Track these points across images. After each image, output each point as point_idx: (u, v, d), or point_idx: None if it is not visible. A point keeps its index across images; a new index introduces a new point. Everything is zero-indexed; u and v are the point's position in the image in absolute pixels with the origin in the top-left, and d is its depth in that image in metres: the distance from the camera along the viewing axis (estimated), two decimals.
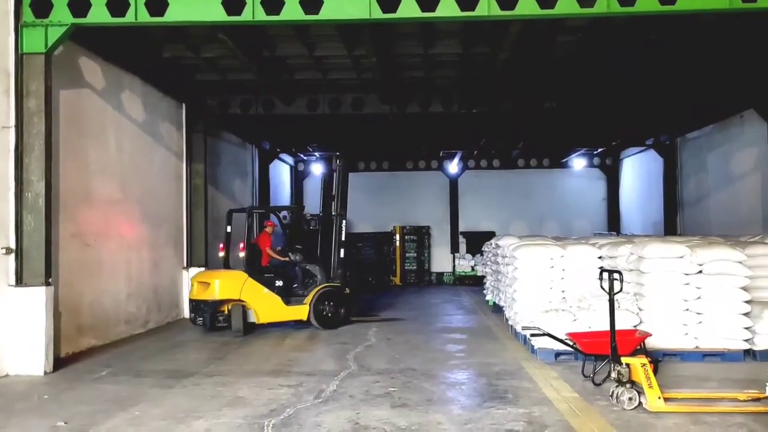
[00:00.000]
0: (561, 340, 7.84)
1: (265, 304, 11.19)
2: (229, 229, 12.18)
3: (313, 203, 19.51)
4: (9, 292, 8.04)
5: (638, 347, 7.31)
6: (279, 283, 11.58)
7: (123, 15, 8.18)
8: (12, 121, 8.15)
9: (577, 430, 5.57)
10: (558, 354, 8.36)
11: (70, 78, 9.46)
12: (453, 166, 23.53)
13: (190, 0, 8.22)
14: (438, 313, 14.36)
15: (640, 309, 8.61)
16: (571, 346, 7.64)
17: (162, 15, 8.18)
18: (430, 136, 19.18)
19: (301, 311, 11.50)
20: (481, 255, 17.61)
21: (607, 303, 6.82)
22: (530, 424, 5.71)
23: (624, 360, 6.29)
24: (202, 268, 13.49)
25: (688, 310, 8.44)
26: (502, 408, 6.26)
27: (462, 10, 8.07)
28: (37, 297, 8.05)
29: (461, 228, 23.89)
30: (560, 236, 14.43)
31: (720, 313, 8.35)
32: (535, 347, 8.64)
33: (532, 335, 8.27)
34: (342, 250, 12.21)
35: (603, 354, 6.91)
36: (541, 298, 9.45)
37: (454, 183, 24.05)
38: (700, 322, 8.42)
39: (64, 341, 8.97)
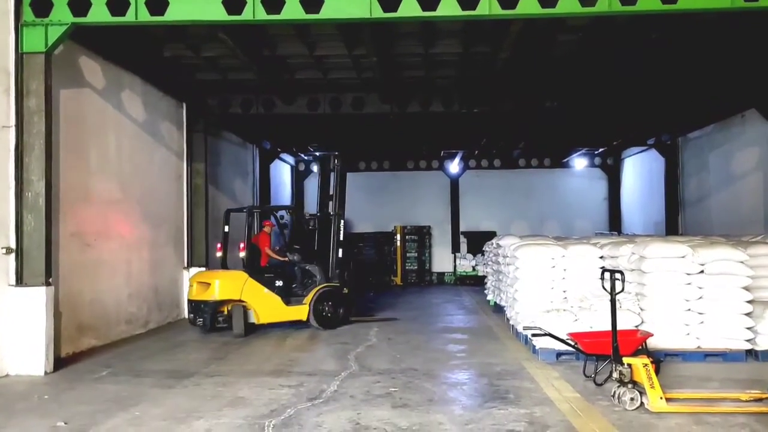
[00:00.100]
0: (562, 340, 7.82)
1: (266, 305, 11.14)
2: (226, 228, 12.07)
3: (313, 203, 19.38)
4: (9, 291, 8.03)
5: (640, 347, 7.29)
6: (279, 283, 11.52)
7: (123, 14, 8.16)
8: (12, 121, 8.14)
9: (578, 431, 5.55)
10: (559, 354, 8.34)
11: (70, 77, 9.45)
12: (454, 166, 23.48)
13: None
14: (439, 313, 14.34)
15: (641, 309, 8.59)
16: (573, 346, 7.62)
17: (162, 14, 8.17)
18: (430, 136, 19.14)
19: (300, 311, 11.47)
20: (482, 255, 17.57)
21: (609, 303, 6.82)
22: (532, 425, 5.70)
23: (626, 360, 6.27)
24: (203, 268, 13.46)
25: (689, 310, 8.42)
26: (504, 408, 6.25)
27: (463, 9, 8.05)
28: (38, 297, 8.04)
29: (462, 228, 23.84)
30: (561, 236, 14.42)
31: (722, 313, 8.33)
32: (537, 347, 8.62)
33: (534, 335, 8.24)
34: (340, 250, 12.17)
35: (604, 354, 6.90)
36: (542, 298, 9.43)
37: (454, 183, 23.99)
38: (702, 322, 8.40)
39: (65, 341, 8.96)
